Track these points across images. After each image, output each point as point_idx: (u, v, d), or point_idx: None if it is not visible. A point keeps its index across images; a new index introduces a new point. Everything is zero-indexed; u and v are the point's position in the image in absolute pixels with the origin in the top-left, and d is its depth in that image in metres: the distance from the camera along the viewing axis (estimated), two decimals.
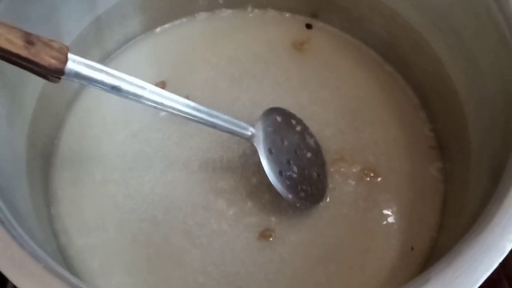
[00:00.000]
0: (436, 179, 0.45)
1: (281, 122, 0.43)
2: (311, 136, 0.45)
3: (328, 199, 0.43)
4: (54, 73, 0.30)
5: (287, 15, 0.53)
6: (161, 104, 0.35)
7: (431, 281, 0.26)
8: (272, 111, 0.43)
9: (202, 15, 0.53)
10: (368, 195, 0.43)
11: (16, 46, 0.28)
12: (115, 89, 0.33)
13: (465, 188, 0.39)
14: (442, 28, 0.43)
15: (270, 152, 0.41)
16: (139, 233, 0.42)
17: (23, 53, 0.28)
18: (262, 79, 0.49)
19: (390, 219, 0.43)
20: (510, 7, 0.36)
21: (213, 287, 0.40)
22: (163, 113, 0.46)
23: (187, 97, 0.36)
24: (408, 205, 0.43)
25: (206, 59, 0.50)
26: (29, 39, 0.28)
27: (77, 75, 0.31)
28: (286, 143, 0.43)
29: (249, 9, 0.53)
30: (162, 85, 0.48)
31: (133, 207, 0.43)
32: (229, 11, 0.53)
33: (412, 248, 0.41)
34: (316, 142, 0.45)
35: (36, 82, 0.40)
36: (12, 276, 0.26)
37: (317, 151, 0.45)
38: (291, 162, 0.42)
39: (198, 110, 0.37)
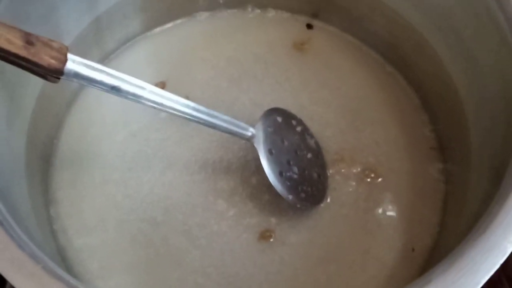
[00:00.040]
0: (437, 179, 0.44)
1: (281, 122, 0.43)
2: (312, 136, 0.45)
3: (328, 200, 0.43)
4: (53, 73, 0.30)
5: (287, 15, 0.53)
6: (161, 104, 0.35)
7: (432, 283, 0.26)
8: (273, 112, 0.43)
9: (202, 15, 0.53)
10: (369, 196, 0.43)
11: (16, 46, 0.28)
12: (114, 89, 0.33)
13: (466, 188, 0.39)
14: (443, 28, 0.43)
15: (270, 152, 0.41)
16: (139, 234, 0.42)
17: (23, 53, 0.28)
18: (262, 79, 0.49)
19: (391, 220, 0.43)
20: (510, 7, 0.36)
21: None
22: (162, 114, 0.46)
23: (187, 98, 0.36)
24: (409, 205, 0.43)
25: (206, 59, 0.50)
26: (29, 39, 0.28)
27: (77, 75, 0.31)
28: (286, 143, 0.43)
29: (249, 9, 0.53)
30: (162, 85, 0.48)
31: (133, 208, 0.43)
32: (229, 11, 0.53)
33: (413, 250, 0.41)
34: (316, 143, 0.45)
35: (35, 82, 0.40)
36: (10, 277, 0.26)
37: (318, 151, 0.44)
38: (291, 162, 0.42)
39: (197, 110, 0.37)
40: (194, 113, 0.36)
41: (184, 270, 0.40)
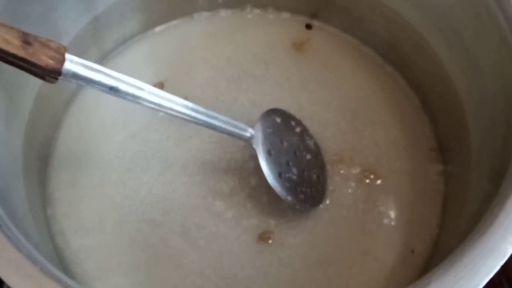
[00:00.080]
0: (437, 180, 0.44)
1: (280, 123, 0.43)
2: (311, 137, 0.45)
3: (327, 201, 0.43)
4: (51, 74, 0.30)
5: (286, 15, 0.53)
6: (159, 105, 0.35)
7: (432, 284, 0.26)
8: (272, 112, 0.43)
9: (201, 15, 0.53)
10: (368, 197, 0.43)
11: (13, 46, 0.28)
12: (113, 90, 0.32)
13: (466, 189, 0.39)
14: (443, 28, 0.43)
15: (269, 153, 0.41)
16: (137, 235, 0.41)
17: (20, 53, 0.28)
18: (262, 79, 0.49)
19: (390, 221, 0.42)
20: (510, 7, 0.36)
21: None
22: (161, 114, 0.46)
23: (185, 98, 0.36)
24: (408, 206, 0.43)
25: (205, 59, 0.50)
26: (27, 39, 0.28)
27: (75, 76, 0.31)
28: (285, 144, 0.42)
29: (249, 9, 0.53)
30: (161, 85, 0.48)
31: (131, 208, 0.42)
32: (228, 11, 0.53)
33: (413, 251, 0.41)
34: (315, 144, 0.45)
35: (33, 83, 0.40)
36: (8, 278, 0.26)
37: (317, 152, 0.44)
38: (290, 163, 0.42)
39: (196, 111, 0.36)
40: (193, 114, 0.36)
41: (182, 271, 0.40)
